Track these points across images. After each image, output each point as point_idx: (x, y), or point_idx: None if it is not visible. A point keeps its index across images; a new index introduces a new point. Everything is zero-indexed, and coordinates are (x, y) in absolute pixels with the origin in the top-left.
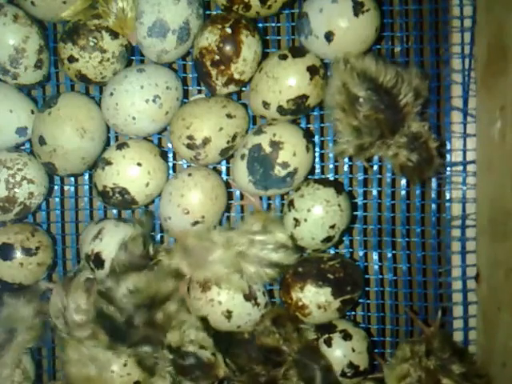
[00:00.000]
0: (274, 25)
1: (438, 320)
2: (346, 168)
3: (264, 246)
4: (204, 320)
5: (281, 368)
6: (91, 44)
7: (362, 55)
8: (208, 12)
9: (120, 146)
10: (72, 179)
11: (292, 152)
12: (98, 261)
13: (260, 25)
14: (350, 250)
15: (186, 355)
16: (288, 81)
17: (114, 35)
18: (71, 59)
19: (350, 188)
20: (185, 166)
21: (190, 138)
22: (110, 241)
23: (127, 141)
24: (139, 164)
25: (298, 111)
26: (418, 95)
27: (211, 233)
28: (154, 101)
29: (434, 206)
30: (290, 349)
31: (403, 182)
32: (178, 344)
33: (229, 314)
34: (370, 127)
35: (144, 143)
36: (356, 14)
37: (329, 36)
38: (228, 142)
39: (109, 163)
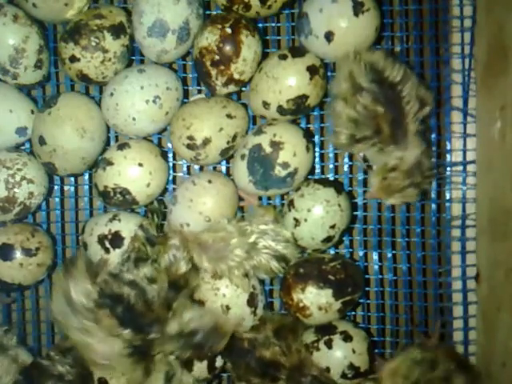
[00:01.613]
0: (273, 25)
1: (437, 331)
2: (345, 168)
3: (275, 236)
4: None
5: (277, 383)
6: (93, 44)
7: (372, 49)
8: (208, 12)
9: (121, 147)
10: (72, 179)
11: (292, 152)
12: (116, 239)
13: (260, 25)
14: (350, 250)
15: (192, 333)
16: (288, 81)
17: (116, 35)
18: (72, 59)
19: (350, 188)
20: (185, 166)
21: (190, 138)
22: (128, 221)
23: (128, 141)
24: (140, 164)
25: (298, 111)
26: (422, 104)
27: (224, 224)
28: (154, 101)
29: (433, 205)
30: (288, 364)
31: None
32: (180, 329)
33: (226, 310)
34: (368, 120)
35: (145, 143)
36: (356, 14)
37: (329, 36)
38: (228, 142)
39: (110, 163)
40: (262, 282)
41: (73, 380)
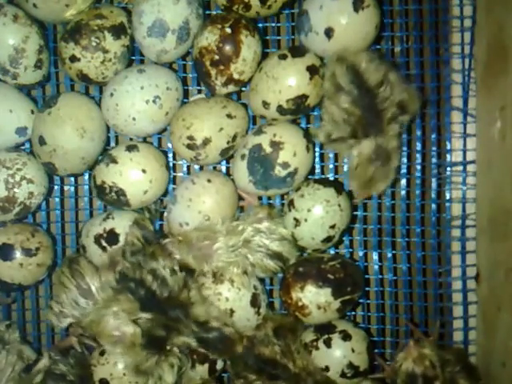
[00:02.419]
0: (273, 25)
1: (436, 331)
2: (345, 168)
3: (269, 234)
4: None
5: (275, 381)
6: (93, 44)
7: (360, 51)
8: (208, 12)
9: (130, 148)
10: (72, 179)
11: (292, 152)
12: (112, 237)
13: (260, 25)
14: (350, 250)
15: (212, 329)
16: (288, 81)
17: (117, 35)
18: (73, 59)
19: (350, 188)
20: (185, 166)
21: (191, 138)
22: (122, 218)
23: (138, 144)
24: (144, 171)
25: (298, 111)
26: (403, 110)
27: (212, 224)
28: (154, 101)
29: (433, 205)
30: (287, 363)
31: (403, 181)
32: (205, 319)
33: (231, 313)
34: (345, 121)
35: (153, 151)
36: (356, 10)
37: (329, 32)
38: (228, 142)
39: (114, 161)
40: (262, 281)
41: (74, 380)
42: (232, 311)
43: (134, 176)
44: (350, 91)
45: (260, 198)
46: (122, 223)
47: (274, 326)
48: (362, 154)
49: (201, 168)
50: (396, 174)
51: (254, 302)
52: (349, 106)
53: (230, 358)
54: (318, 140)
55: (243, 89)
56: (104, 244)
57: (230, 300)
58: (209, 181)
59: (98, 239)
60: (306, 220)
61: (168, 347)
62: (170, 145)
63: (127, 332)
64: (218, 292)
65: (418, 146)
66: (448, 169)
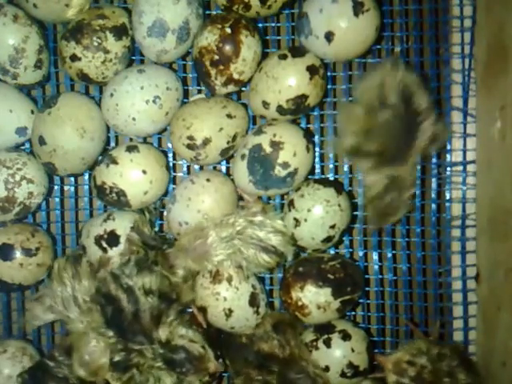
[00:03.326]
0: (273, 25)
1: (436, 330)
2: (345, 168)
3: (262, 227)
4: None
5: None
6: (95, 44)
7: (411, 71)
8: (208, 12)
9: (130, 149)
10: (72, 179)
11: (292, 152)
12: (112, 238)
13: (260, 25)
14: (350, 250)
15: (176, 349)
16: (288, 81)
17: (118, 36)
18: (73, 58)
19: (350, 188)
20: (185, 166)
21: (191, 138)
22: (122, 219)
23: (139, 145)
24: (144, 171)
25: (298, 111)
26: (435, 139)
27: (200, 223)
28: (154, 101)
29: (434, 205)
30: (283, 357)
31: None
32: (168, 338)
33: (229, 313)
34: (377, 136)
35: (154, 151)
36: (356, 14)
37: (329, 36)
38: (228, 143)
39: (114, 162)
40: (261, 280)
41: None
42: (230, 311)
43: (134, 177)
44: (395, 108)
45: (260, 198)
46: (122, 224)
47: (273, 322)
48: (380, 182)
49: (201, 168)
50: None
51: (253, 302)
52: (387, 123)
53: (227, 350)
54: (341, 149)
55: (243, 89)
56: (104, 245)
57: (229, 299)
58: (208, 180)
59: (98, 240)
60: (305, 220)
61: (136, 366)
62: (169, 145)
63: (96, 360)
64: (216, 292)
65: None
66: (448, 169)
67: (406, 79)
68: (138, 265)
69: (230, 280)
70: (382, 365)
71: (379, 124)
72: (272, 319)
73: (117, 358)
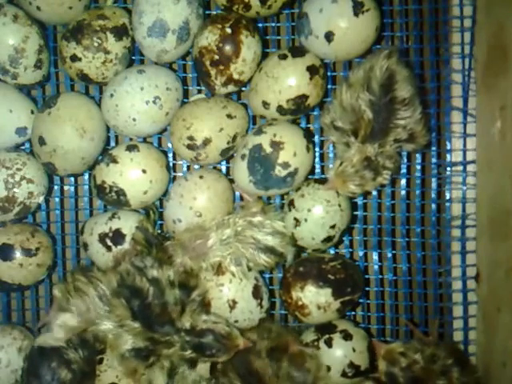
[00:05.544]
0: (273, 25)
1: (435, 330)
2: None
3: (261, 228)
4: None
5: None
6: (95, 44)
7: (404, 64)
8: (208, 12)
9: (130, 148)
10: (72, 179)
11: (292, 152)
12: (117, 237)
13: (260, 25)
14: (350, 249)
15: (203, 332)
16: (288, 81)
17: (119, 37)
18: (74, 58)
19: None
20: (185, 166)
21: (191, 138)
22: (128, 218)
23: (139, 144)
24: (144, 171)
25: (298, 111)
26: (412, 138)
27: (203, 222)
28: (154, 102)
29: (433, 205)
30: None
31: (403, 181)
32: (193, 325)
33: (233, 305)
34: (354, 116)
35: (154, 151)
36: (356, 14)
37: (329, 36)
38: (228, 143)
39: (114, 161)
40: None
41: (75, 371)
42: (234, 302)
43: (134, 176)
44: (375, 92)
45: (260, 198)
46: (128, 223)
47: (269, 347)
48: (355, 155)
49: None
50: (373, 189)
51: (256, 294)
52: (365, 104)
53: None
54: (322, 122)
55: (243, 89)
56: (109, 243)
57: (232, 290)
58: (201, 177)
59: (103, 238)
60: (306, 220)
61: (152, 359)
62: (170, 145)
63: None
64: (220, 283)
65: None
66: (448, 169)
67: (394, 68)
68: (158, 258)
69: (232, 272)
70: (375, 349)
71: (356, 105)
72: (270, 343)
73: (138, 346)
